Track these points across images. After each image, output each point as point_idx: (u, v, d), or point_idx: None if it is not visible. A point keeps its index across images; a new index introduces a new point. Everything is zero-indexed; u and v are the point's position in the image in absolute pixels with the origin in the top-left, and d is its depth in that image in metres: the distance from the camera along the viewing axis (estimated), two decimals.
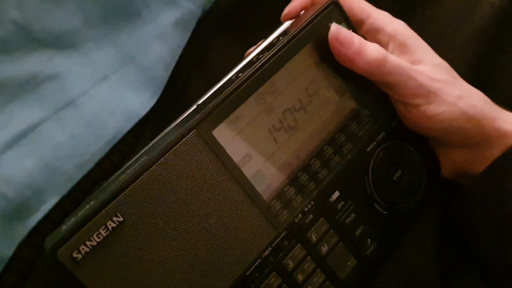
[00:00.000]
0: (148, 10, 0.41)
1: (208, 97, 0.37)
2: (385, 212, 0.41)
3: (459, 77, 0.41)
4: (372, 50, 0.37)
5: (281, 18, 0.42)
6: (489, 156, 0.40)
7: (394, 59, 0.38)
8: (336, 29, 0.37)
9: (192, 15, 0.43)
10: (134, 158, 0.35)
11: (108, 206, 0.32)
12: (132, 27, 0.40)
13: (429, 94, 0.38)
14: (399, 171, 0.42)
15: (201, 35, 0.44)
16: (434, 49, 0.42)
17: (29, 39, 0.36)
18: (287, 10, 0.42)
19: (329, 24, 0.38)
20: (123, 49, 0.40)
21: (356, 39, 0.38)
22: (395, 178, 0.41)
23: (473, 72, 0.46)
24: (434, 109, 0.38)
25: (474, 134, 0.39)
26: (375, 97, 0.41)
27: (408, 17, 0.42)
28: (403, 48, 0.40)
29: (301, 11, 0.42)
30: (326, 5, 0.39)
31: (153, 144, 0.36)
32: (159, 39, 0.41)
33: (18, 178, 0.36)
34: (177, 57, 0.43)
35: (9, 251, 0.37)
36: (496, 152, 0.40)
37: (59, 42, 0.37)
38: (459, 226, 0.42)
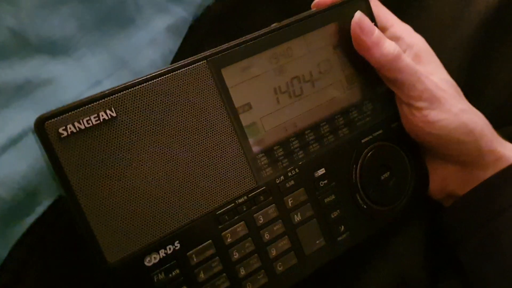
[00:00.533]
0: (140, 17, 0.42)
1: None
2: (365, 207, 0.41)
3: (464, 97, 0.42)
4: (389, 44, 0.39)
5: (312, 5, 0.44)
6: (481, 177, 0.41)
7: (408, 60, 0.40)
8: (360, 16, 0.40)
9: (184, 21, 0.44)
10: None
11: (105, 99, 0.33)
12: (125, 33, 0.41)
13: (434, 100, 0.39)
14: (388, 173, 0.42)
15: (193, 41, 0.45)
16: None
17: (25, 45, 0.37)
18: None
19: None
20: (116, 54, 0.41)
21: (377, 31, 0.40)
22: (382, 178, 0.42)
23: (462, 80, 0.47)
24: (436, 114, 0.39)
25: (471, 151, 0.40)
26: (381, 95, 0.42)
27: None
28: (417, 59, 0.42)
29: (331, 2, 0.44)
30: None
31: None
32: (151, 45, 0.42)
33: (13, 180, 0.36)
34: (169, 62, 0.44)
35: (3, 252, 0.37)
36: (489, 174, 0.40)
37: (54, 48, 0.38)
38: (446, 237, 0.42)
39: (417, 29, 0.45)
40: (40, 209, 0.38)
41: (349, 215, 0.41)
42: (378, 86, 0.42)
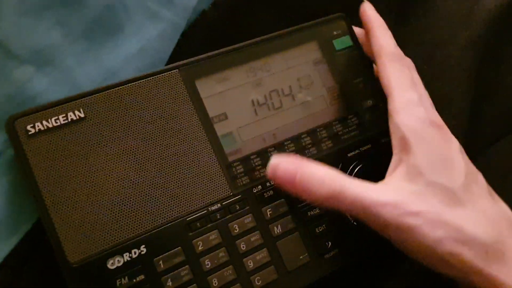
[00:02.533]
0: (131, 24, 0.40)
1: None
2: (355, 224, 0.38)
3: (467, 198, 0.33)
4: (321, 182, 0.32)
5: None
6: None
7: (354, 191, 0.32)
8: (273, 163, 0.33)
9: (176, 27, 0.42)
10: None
11: (74, 101, 0.34)
12: (114, 41, 0.39)
13: (401, 232, 0.32)
14: None
15: (187, 49, 0.42)
16: (431, 58, 0.41)
17: (8, 57, 0.36)
18: None
19: (335, 32, 0.41)
20: (105, 64, 0.39)
21: (298, 173, 0.32)
22: None
23: (472, 80, 0.44)
24: (405, 247, 0.32)
25: (463, 282, 0.33)
26: (368, 110, 0.41)
27: (403, 28, 0.43)
28: (405, 146, 0.34)
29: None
30: (336, 15, 0.42)
31: None
32: (141, 53, 0.40)
33: None
34: None
35: None
36: None
37: (39, 58, 0.36)
38: None
39: (425, 29, 0.44)
40: (24, 228, 0.37)
41: (338, 231, 0.38)
42: (364, 101, 0.41)
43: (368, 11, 0.40)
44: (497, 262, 0.31)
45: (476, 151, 0.48)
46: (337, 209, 0.33)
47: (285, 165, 0.33)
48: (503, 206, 0.35)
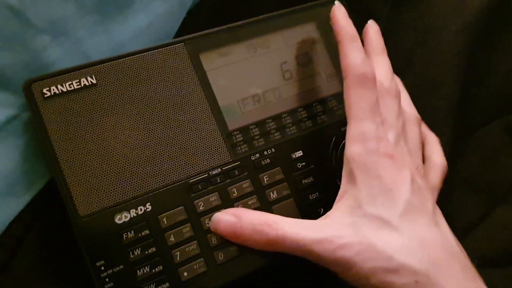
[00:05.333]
0: (140, 0, 0.42)
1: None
2: None
3: (404, 226, 0.34)
4: (260, 230, 0.35)
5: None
6: None
7: (292, 233, 0.34)
8: (213, 220, 0.37)
9: (182, 6, 0.44)
10: None
11: (87, 68, 0.37)
12: (123, 16, 0.41)
13: (337, 265, 0.34)
14: None
15: (192, 27, 0.43)
16: (424, 42, 0.43)
17: (26, 26, 0.37)
18: None
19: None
20: (114, 37, 0.41)
21: (238, 226, 0.36)
22: None
23: (463, 65, 0.46)
24: (345, 277, 0.34)
25: None
26: None
27: (399, 14, 0.45)
28: (351, 179, 0.36)
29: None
30: None
31: None
32: (149, 28, 0.42)
33: (12, 156, 0.37)
34: None
35: (1, 227, 0.37)
36: None
37: (54, 29, 0.38)
38: None
39: (420, 15, 0.46)
40: (38, 186, 0.39)
41: (330, 199, 0.40)
42: None
43: (340, 19, 0.39)
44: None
45: (466, 132, 0.51)
46: (281, 252, 0.35)
47: (225, 219, 0.36)
48: (446, 232, 0.36)
